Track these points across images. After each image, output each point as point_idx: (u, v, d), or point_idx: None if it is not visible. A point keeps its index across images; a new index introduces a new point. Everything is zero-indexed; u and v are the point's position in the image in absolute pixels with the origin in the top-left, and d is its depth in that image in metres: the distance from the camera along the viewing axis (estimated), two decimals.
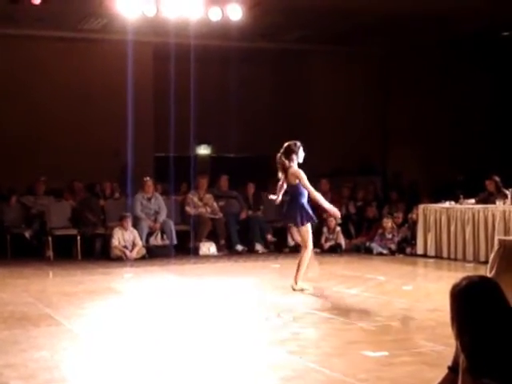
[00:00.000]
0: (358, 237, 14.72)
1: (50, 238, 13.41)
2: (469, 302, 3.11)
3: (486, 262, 9.27)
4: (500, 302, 3.11)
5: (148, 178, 14.15)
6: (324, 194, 15.11)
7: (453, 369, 3.29)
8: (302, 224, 9.03)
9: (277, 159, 9.22)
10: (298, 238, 9.61)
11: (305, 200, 9.03)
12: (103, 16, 14.65)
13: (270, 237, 14.68)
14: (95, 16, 14.88)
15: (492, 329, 3.04)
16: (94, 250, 13.71)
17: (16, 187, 14.68)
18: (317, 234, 14.43)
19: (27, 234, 13.82)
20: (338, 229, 14.31)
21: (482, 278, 3.22)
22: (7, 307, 8.04)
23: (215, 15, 13.88)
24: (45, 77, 16.20)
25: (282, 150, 9.19)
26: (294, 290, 8.94)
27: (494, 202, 12.22)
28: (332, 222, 14.17)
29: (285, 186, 9.21)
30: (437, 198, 13.83)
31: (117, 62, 16.16)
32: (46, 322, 7.11)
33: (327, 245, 14.10)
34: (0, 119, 15.78)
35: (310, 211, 9.03)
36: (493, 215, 11.83)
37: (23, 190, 14.85)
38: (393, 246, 13.58)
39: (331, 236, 14.21)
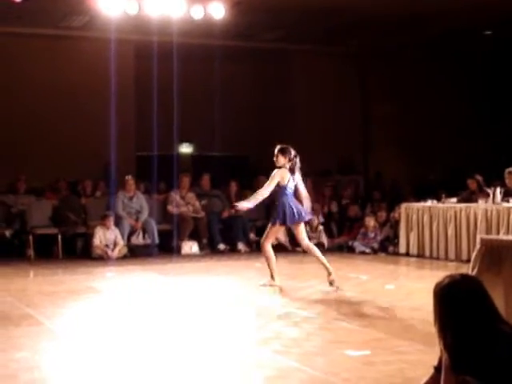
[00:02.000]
0: (340, 236, 14.74)
1: (30, 237, 13.32)
2: (451, 301, 3.10)
3: (468, 261, 9.29)
4: (483, 300, 3.11)
5: (129, 177, 14.09)
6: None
7: (438, 369, 3.28)
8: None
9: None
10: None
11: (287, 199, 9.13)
12: (85, 13, 14.57)
13: (252, 236, 14.67)
14: (77, 13, 14.80)
15: (474, 327, 3.04)
16: (76, 249, 13.64)
17: None
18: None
19: (8, 233, 13.71)
20: (321, 228, 14.33)
21: (465, 276, 3.21)
22: None
23: (197, 13, 13.86)
24: (25, 75, 16.10)
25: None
26: (332, 285, 9.05)
27: (475, 201, 12.26)
28: (314, 222, 14.19)
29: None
30: (419, 197, 13.87)
31: (98, 60, 16.07)
32: (26, 322, 7.06)
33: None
34: None
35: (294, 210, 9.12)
36: (475, 214, 11.87)
37: (4, 189, 14.76)
38: (375, 245, 13.60)
39: (314, 235, 14.22)
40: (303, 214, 9.17)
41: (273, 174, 9.14)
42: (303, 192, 9.44)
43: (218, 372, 5.21)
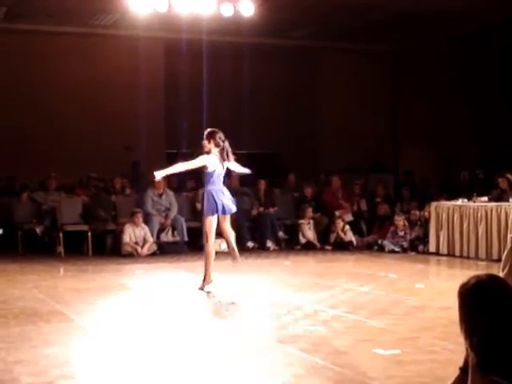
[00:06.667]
0: (369, 234, 14.68)
1: (60, 234, 13.43)
2: (477, 301, 3.06)
3: (498, 260, 9.24)
4: (509, 301, 3.07)
5: None
6: (335, 191, 15.24)
7: (464, 370, 3.25)
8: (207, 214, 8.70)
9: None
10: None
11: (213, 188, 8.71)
12: (115, 12, 14.66)
13: (281, 234, 14.66)
14: (107, 12, 14.89)
15: (501, 328, 3.00)
16: (105, 246, 13.71)
17: (28, 183, 14.75)
18: (327, 232, 14.46)
19: (38, 230, 13.84)
20: (347, 227, 14.28)
21: (491, 277, 3.17)
22: (18, 303, 8.05)
23: (227, 11, 13.85)
24: (56, 72, 16.23)
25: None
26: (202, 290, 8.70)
27: (507, 200, 12.14)
28: (339, 224, 14.15)
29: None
30: (449, 196, 13.77)
31: (128, 58, 16.17)
32: (57, 318, 7.10)
33: (332, 238, 14.11)
34: (11, 116, 15.82)
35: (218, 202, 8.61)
36: (506, 213, 11.75)
37: (35, 186, 14.90)
38: (405, 244, 13.53)
39: (342, 234, 14.18)
40: (226, 207, 8.65)
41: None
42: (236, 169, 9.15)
43: (245, 369, 5.21)
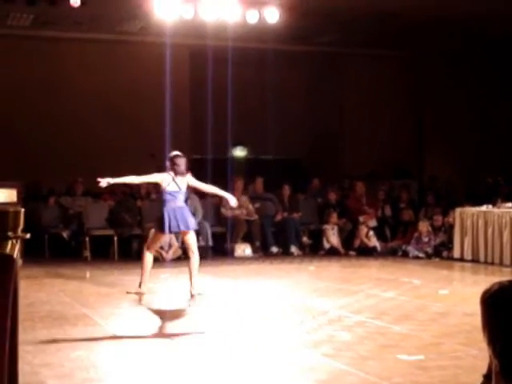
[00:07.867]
0: (393, 240, 14.65)
1: (87, 239, 13.54)
2: (500, 308, 3.06)
3: None
4: None
5: None
6: (359, 197, 15.22)
7: (488, 377, 3.25)
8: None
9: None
10: None
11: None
12: (141, 18, 14.75)
13: (305, 239, 14.67)
14: (133, 18, 14.99)
15: None
16: (131, 251, 13.80)
17: (55, 188, 14.90)
18: (351, 237, 14.46)
19: (65, 235, 13.97)
20: (371, 233, 14.27)
21: None
22: (45, 307, 8.13)
23: (252, 18, 13.90)
24: (82, 79, 16.35)
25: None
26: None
27: None
28: (363, 230, 14.14)
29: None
30: (474, 202, 13.71)
31: (154, 64, 16.23)
32: (82, 322, 7.18)
33: (357, 244, 14.11)
34: (39, 121, 15.98)
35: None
36: None
37: (62, 191, 15.03)
38: (429, 250, 13.49)
39: (364, 240, 14.18)
40: (181, 224, 9.01)
41: None
42: (206, 188, 9.65)
43: (269, 374, 5.24)
